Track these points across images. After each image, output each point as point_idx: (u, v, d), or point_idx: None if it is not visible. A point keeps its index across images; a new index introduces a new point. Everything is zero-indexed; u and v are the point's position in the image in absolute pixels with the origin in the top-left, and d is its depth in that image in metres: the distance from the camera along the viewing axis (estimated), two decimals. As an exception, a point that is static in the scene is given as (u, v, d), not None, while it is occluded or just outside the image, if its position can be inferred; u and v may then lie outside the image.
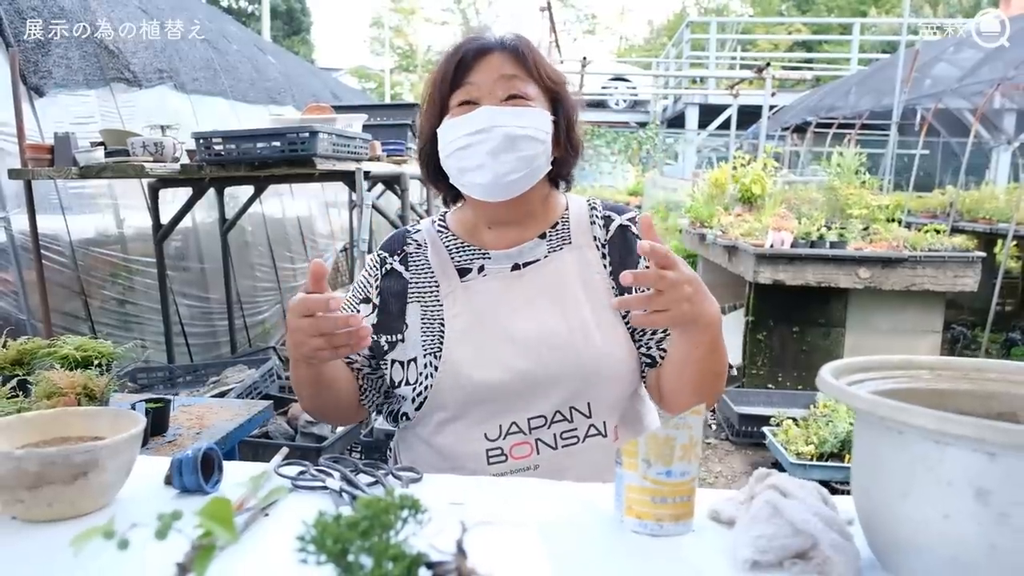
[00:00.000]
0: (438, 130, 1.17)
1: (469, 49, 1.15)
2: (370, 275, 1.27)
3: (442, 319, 1.18)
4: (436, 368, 1.15)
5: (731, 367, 5.05)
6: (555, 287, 1.18)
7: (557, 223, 1.25)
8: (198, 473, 0.88)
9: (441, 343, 1.16)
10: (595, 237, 1.24)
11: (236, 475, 0.94)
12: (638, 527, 0.80)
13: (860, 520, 0.75)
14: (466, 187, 1.18)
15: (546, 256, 1.22)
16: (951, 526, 0.62)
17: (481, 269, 1.22)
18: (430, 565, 0.48)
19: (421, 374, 1.17)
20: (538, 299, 1.18)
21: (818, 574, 0.70)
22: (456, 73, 1.15)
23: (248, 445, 2.52)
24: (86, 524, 0.82)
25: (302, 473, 0.95)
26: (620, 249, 1.23)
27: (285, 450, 1.03)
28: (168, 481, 0.93)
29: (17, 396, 1.53)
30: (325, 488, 0.91)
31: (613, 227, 1.25)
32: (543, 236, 1.23)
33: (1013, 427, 0.58)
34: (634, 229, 1.25)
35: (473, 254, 1.24)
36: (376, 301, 1.25)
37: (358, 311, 1.26)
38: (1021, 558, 0.59)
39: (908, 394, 0.79)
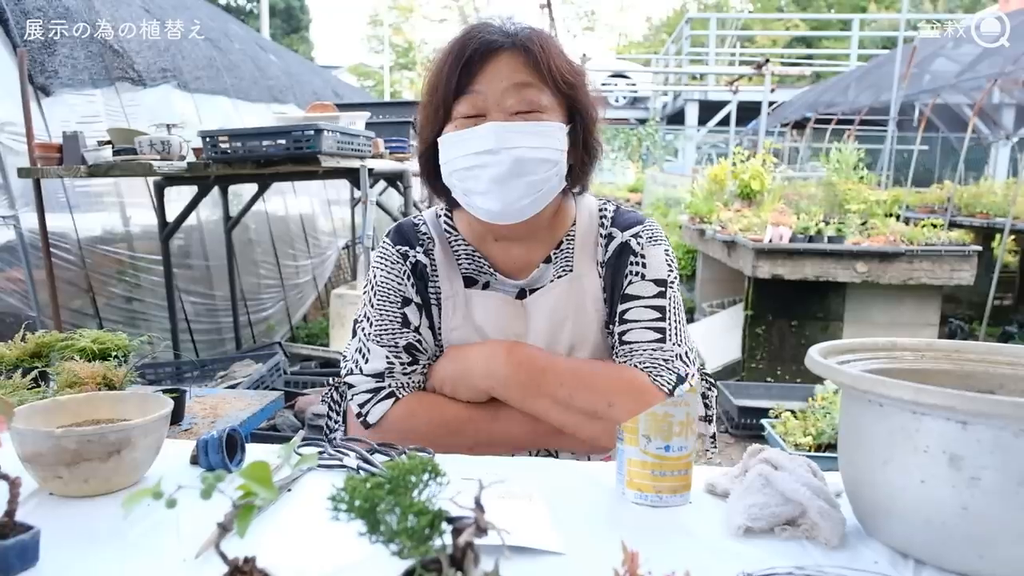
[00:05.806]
0: (439, 140, 1.07)
1: (476, 49, 1.02)
2: (397, 275, 1.16)
3: (439, 326, 1.16)
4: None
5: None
6: (550, 315, 1.14)
7: (562, 242, 1.17)
8: (223, 452, 0.94)
9: (437, 349, 1.16)
10: (597, 261, 1.17)
11: (256, 457, 0.99)
12: (639, 498, 0.85)
13: (845, 489, 0.80)
14: (472, 208, 1.09)
15: (551, 281, 1.15)
16: (927, 490, 0.67)
17: (487, 285, 1.16)
18: (450, 520, 0.54)
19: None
20: (531, 325, 1.14)
21: (806, 538, 0.76)
22: (460, 77, 1.02)
23: (256, 439, 2.57)
24: (119, 499, 0.87)
25: (320, 453, 1.00)
26: (614, 270, 1.15)
27: (302, 432, 1.09)
28: (194, 461, 0.98)
29: (39, 387, 1.59)
30: (343, 466, 0.97)
31: (612, 247, 1.16)
32: (548, 260, 1.16)
33: (982, 396, 0.63)
34: (634, 244, 1.15)
35: (480, 268, 1.17)
36: (417, 300, 1.15)
37: (401, 319, 1.14)
38: (990, 518, 0.64)
39: (891, 373, 0.84)
